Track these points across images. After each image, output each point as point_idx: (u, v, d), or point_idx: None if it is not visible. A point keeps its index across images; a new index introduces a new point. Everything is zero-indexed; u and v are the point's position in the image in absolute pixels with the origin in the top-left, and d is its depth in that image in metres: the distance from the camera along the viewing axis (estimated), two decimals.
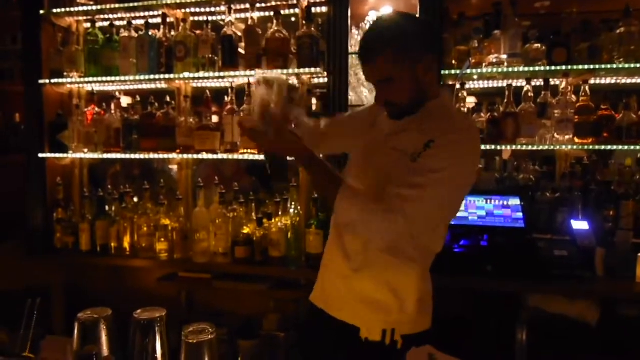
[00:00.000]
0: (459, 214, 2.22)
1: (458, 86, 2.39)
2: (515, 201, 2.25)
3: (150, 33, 2.53)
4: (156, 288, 2.53)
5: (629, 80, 2.37)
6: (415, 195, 1.18)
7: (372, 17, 2.48)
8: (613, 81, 2.37)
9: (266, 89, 1.30)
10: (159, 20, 2.55)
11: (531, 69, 2.20)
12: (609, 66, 2.16)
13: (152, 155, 2.53)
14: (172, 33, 2.54)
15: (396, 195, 1.19)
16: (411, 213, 1.18)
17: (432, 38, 1.33)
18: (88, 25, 2.74)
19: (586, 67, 2.18)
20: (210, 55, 2.43)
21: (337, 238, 1.43)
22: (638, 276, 2.03)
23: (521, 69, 2.21)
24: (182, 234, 2.45)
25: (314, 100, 2.46)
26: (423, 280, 1.37)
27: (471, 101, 2.53)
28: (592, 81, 2.29)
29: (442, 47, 1.22)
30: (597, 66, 2.18)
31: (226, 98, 2.48)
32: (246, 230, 2.39)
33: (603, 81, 2.37)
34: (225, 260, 2.41)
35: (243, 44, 2.42)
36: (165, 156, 2.53)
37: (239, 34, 2.45)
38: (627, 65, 2.13)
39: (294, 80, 2.45)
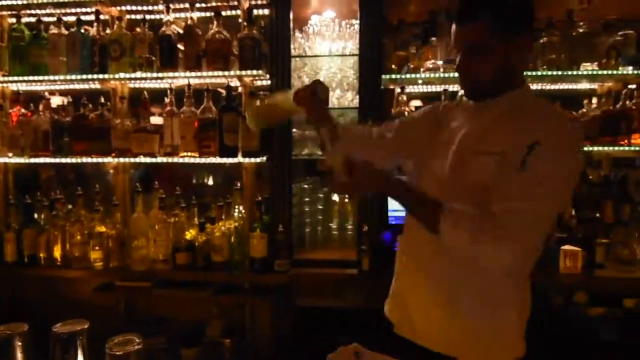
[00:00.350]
0: (399, 214, 2.29)
1: (398, 90, 2.46)
2: None
3: (82, 30, 2.41)
4: (92, 299, 2.40)
5: (551, 87, 2.55)
6: (526, 209, 1.04)
7: (314, 20, 2.50)
8: (538, 87, 2.53)
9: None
10: (92, 17, 2.43)
11: None
12: (533, 73, 2.30)
13: (84, 159, 2.40)
14: (107, 31, 2.43)
15: (505, 212, 1.05)
16: (524, 229, 1.06)
17: (532, 15, 1.17)
18: (13, 20, 2.55)
19: None
20: (148, 55, 2.35)
21: (427, 264, 1.26)
22: (561, 267, 2.18)
23: (456, 74, 2.29)
24: (119, 241, 2.35)
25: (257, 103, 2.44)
26: (525, 295, 1.24)
27: (415, 104, 2.62)
28: None
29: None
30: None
31: (166, 99, 2.41)
32: (188, 235, 2.33)
33: (532, 86, 2.51)
34: (165, 267, 2.33)
35: (182, 44, 2.36)
36: (100, 160, 2.41)
37: (180, 31, 2.38)
38: (549, 73, 2.29)
39: (236, 82, 2.43)
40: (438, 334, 1.23)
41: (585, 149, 2.29)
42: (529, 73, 2.30)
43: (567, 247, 2.19)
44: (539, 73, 2.30)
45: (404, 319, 1.33)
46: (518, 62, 1.19)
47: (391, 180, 1.19)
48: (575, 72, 2.29)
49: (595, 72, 2.29)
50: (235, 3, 2.41)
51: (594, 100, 2.45)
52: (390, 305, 1.41)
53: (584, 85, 2.54)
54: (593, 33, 2.30)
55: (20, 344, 0.86)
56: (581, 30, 2.33)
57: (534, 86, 2.51)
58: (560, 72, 2.28)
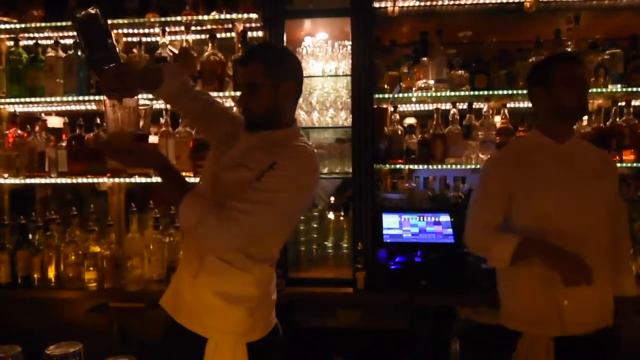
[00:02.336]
0: (394, 232, 2.33)
1: (391, 109, 2.49)
2: (445, 217, 2.35)
3: (79, 53, 2.44)
4: (85, 320, 2.36)
5: None
6: (251, 210, 1.27)
7: (307, 42, 2.55)
8: (529, 105, 2.54)
9: (117, 111, 1.34)
10: None
11: (456, 93, 2.35)
12: (524, 91, 2.31)
13: (80, 180, 2.41)
14: None
15: (233, 208, 1.27)
16: (245, 225, 1.27)
17: (298, 71, 1.47)
18: (11, 43, 2.60)
19: (504, 92, 2.36)
20: None
21: (185, 245, 1.52)
22: None
23: (447, 93, 2.35)
24: (114, 262, 2.34)
25: None
26: (257, 288, 1.42)
27: (409, 121, 2.66)
28: (510, 105, 2.48)
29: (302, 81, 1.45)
30: (514, 91, 2.36)
31: (161, 120, 2.44)
32: None
33: (520, 105, 2.57)
34: (160, 288, 2.30)
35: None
36: (95, 180, 2.43)
37: (176, 52, 2.42)
38: None
39: (230, 103, 2.45)
40: (190, 312, 1.41)
41: None
42: (519, 92, 2.34)
43: None
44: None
45: (170, 293, 1.50)
46: (286, 104, 1.44)
47: (162, 159, 1.38)
48: None
49: None
50: (230, 26, 2.46)
51: (585, 117, 2.48)
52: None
53: None
54: (581, 52, 2.35)
55: None
56: (569, 50, 2.37)
57: (524, 104, 2.55)
58: None
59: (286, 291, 2.28)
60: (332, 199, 2.80)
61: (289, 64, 1.46)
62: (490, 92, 2.36)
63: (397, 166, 2.50)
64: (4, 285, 2.38)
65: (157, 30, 2.48)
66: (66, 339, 0.94)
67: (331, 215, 2.65)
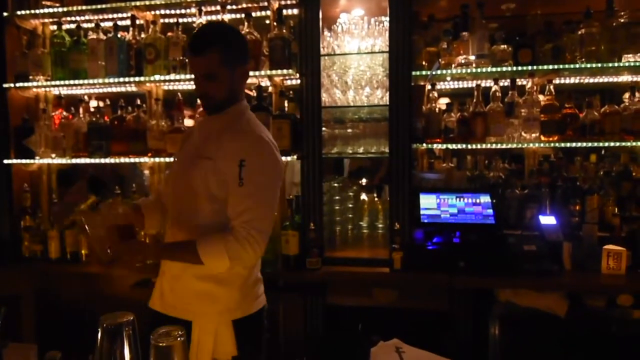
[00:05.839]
0: (431, 212, 2.29)
1: (429, 87, 2.43)
2: (485, 198, 2.29)
3: (119, 35, 2.49)
4: (131, 295, 2.46)
5: (591, 80, 2.45)
6: (254, 217, 1.36)
7: (343, 19, 2.50)
8: (576, 80, 2.44)
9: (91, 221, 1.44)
10: (128, 22, 2.51)
11: (498, 69, 2.26)
12: (571, 66, 2.22)
13: (122, 160, 2.48)
14: (142, 35, 2.50)
15: (242, 224, 1.35)
16: (259, 231, 1.36)
17: (248, 50, 1.52)
18: (54, 27, 2.67)
19: (550, 67, 2.24)
20: (181, 58, 2.41)
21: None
22: (603, 268, 2.10)
23: (489, 69, 2.26)
24: (155, 239, 2.40)
25: (286, 103, 2.46)
26: (245, 267, 1.47)
27: (444, 102, 2.58)
28: (556, 81, 2.35)
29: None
30: (561, 66, 2.24)
31: (198, 101, 2.46)
32: None
33: (567, 81, 2.45)
34: None
35: None
36: (136, 160, 2.49)
37: None
38: (588, 65, 2.20)
39: (266, 82, 2.45)
40: (176, 301, 1.48)
41: (628, 144, 2.20)
42: (567, 66, 2.22)
43: (610, 246, 2.10)
44: (577, 66, 2.22)
45: (157, 295, 1.56)
46: (243, 85, 1.52)
47: (155, 249, 1.53)
48: (616, 64, 2.20)
49: (637, 64, 2.19)
50: (265, 4, 2.44)
51: (637, 93, 2.34)
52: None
53: (626, 78, 2.43)
54: (635, 22, 2.20)
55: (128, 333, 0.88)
56: (622, 20, 2.22)
57: (572, 80, 2.43)
58: (600, 65, 2.19)
59: (322, 270, 2.30)
60: (364, 180, 2.76)
61: (243, 46, 1.49)
62: (535, 68, 2.25)
63: (435, 145, 2.43)
64: (55, 260, 2.50)
65: (193, 10, 2.48)
66: (112, 311, 0.95)
67: (364, 197, 2.63)
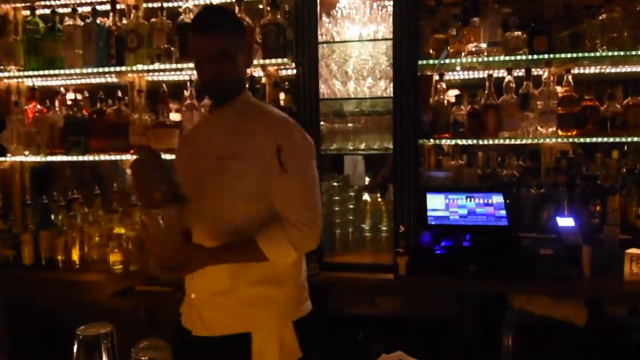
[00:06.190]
0: (439, 214, 2.19)
1: (437, 77, 2.28)
2: (498, 198, 2.18)
3: (98, 21, 2.34)
4: (111, 304, 2.31)
5: (612, 69, 2.33)
6: (308, 202, 1.34)
7: (342, 3, 2.35)
8: (597, 70, 2.33)
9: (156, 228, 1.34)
10: (107, 6, 2.36)
11: (512, 58, 2.14)
12: (591, 54, 2.09)
13: (102, 157, 2.33)
14: (123, 21, 2.36)
15: (296, 211, 1.32)
16: (314, 214, 1.34)
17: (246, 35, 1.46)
18: (27, 12, 2.52)
19: (568, 55, 2.11)
20: (166, 46, 2.26)
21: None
22: (626, 273, 1.99)
23: (502, 58, 2.14)
24: (139, 244, 2.25)
25: (281, 95, 2.31)
26: (293, 265, 1.43)
27: (452, 94, 2.44)
28: (575, 70, 2.23)
29: None
30: (580, 54, 2.11)
31: (185, 92, 2.31)
32: None
33: (586, 70, 2.33)
34: None
35: None
36: (117, 157, 2.34)
37: None
38: (610, 54, 2.07)
39: (259, 72, 2.29)
40: (225, 318, 1.39)
41: None
42: (587, 54, 2.09)
43: (633, 250, 1.98)
44: (598, 54, 2.08)
45: (187, 314, 1.48)
46: (245, 71, 1.45)
47: (212, 253, 1.35)
48: (639, 52, 2.06)
49: None
50: None
51: None
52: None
53: None
54: None
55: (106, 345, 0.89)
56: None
57: (592, 69, 2.31)
58: (622, 53, 2.06)
59: (321, 276, 2.16)
60: (367, 180, 2.65)
61: (242, 24, 1.45)
62: (552, 56, 2.12)
63: (443, 141, 2.31)
64: (28, 267, 2.35)
65: None
66: (91, 321, 0.94)
67: (367, 197, 2.51)
